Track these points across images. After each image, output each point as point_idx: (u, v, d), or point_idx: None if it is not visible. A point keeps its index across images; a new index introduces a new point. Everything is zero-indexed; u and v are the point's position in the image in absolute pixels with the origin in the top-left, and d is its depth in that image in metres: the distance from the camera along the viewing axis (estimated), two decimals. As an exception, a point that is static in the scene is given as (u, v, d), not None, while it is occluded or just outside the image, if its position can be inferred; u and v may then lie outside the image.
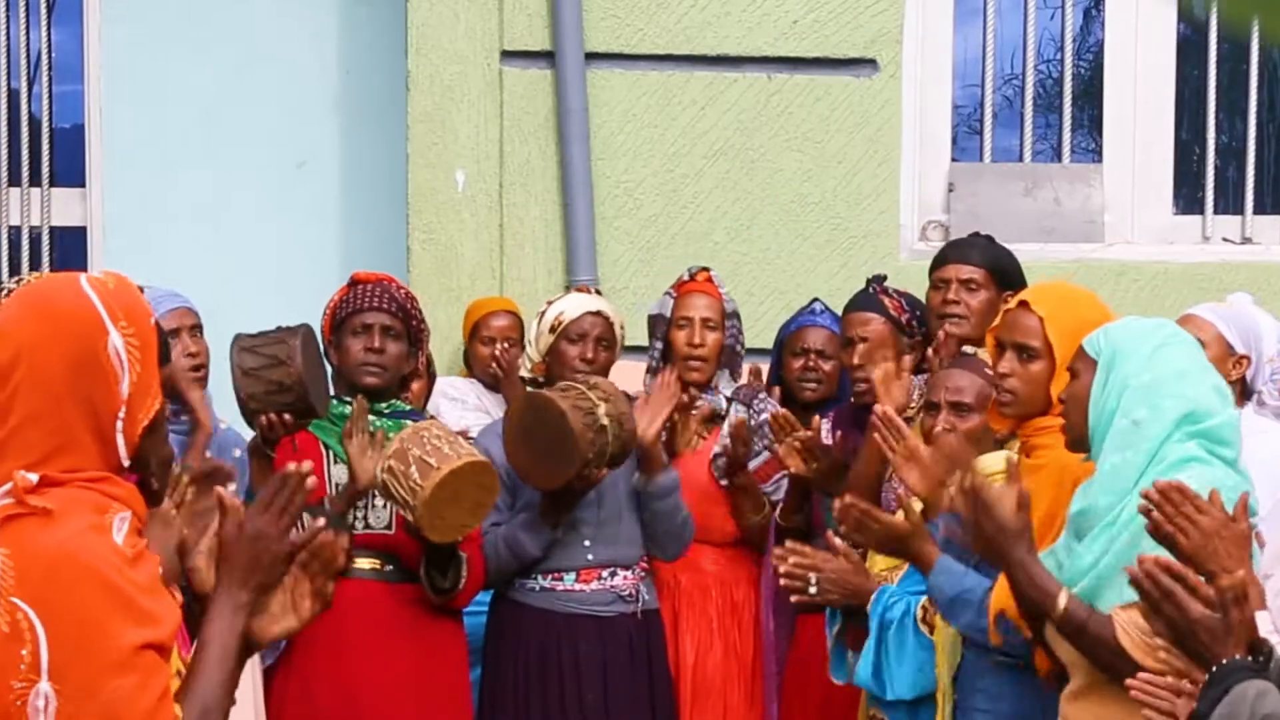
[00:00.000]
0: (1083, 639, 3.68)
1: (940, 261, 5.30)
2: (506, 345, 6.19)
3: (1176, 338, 3.81)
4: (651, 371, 5.65)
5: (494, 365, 6.15)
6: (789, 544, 4.46)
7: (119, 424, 2.76)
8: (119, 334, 2.77)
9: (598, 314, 5.46)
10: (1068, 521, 3.81)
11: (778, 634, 5.60)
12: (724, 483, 5.56)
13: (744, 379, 5.72)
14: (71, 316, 2.77)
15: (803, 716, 5.44)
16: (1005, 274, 5.17)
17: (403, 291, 5.22)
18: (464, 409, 6.08)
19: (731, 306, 5.66)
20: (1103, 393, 3.75)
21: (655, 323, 5.67)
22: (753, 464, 5.59)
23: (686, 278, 5.71)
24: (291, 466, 2.86)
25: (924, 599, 4.33)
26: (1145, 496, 3.37)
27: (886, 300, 5.35)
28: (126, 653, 2.65)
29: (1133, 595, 3.48)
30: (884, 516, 4.20)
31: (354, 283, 5.21)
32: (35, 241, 7.00)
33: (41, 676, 2.64)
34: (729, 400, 5.64)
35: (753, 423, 5.62)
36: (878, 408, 4.42)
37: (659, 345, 5.64)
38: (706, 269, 5.73)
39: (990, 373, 4.42)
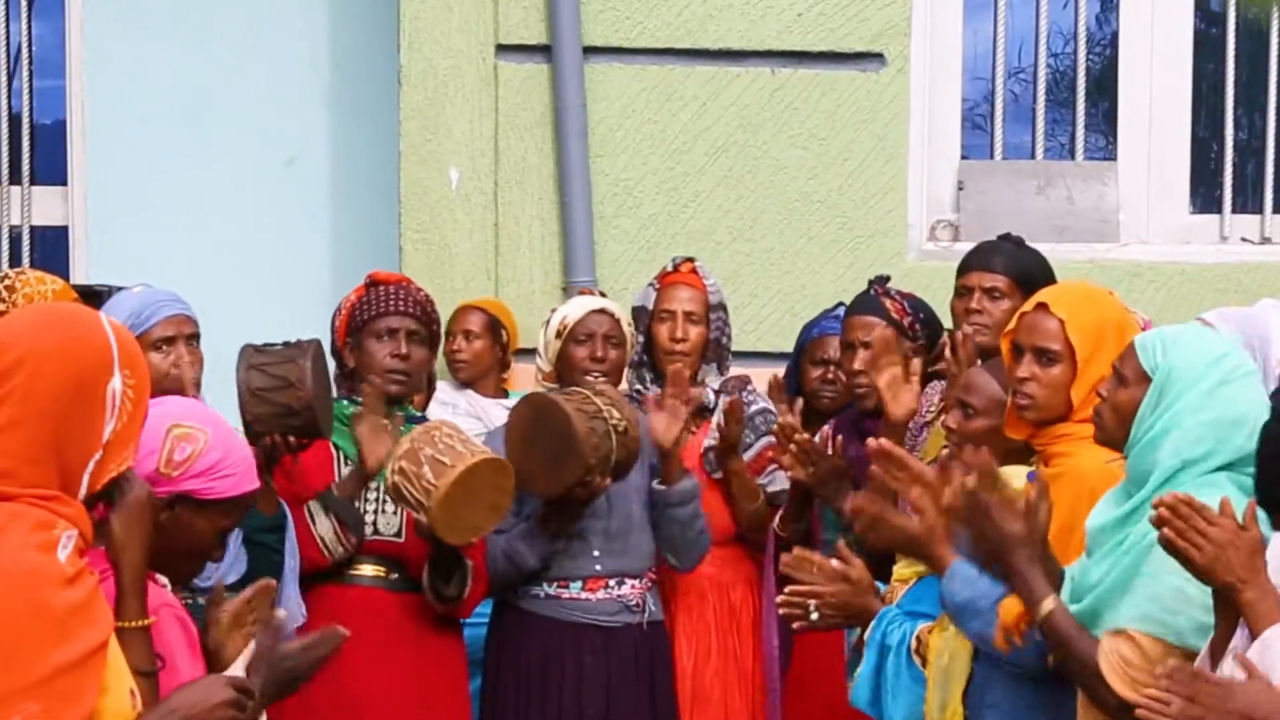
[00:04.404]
0: (1065, 654, 3.68)
1: (964, 268, 5.21)
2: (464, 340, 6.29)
3: (1238, 371, 3.72)
4: (634, 367, 5.62)
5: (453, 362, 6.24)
6: (797, 551, 4.39)
7: (90, 465, 2.82)
8: (121, 380, 2.85)
9: (603, 312, 5.43)
10: (1086, 536, 3.78)
11: (780, 649, 5.52)
12: (717, 474, 5.51)
13: (751, 385, 5.65)
14: (87, 344, 2.86)
15: (805, 733, 5.40)
16: (1032, 281, 5.01)
17: (422, 294, 5.21)
18: (454, 414, 6.09)
19: (717, 298, 5.61)
20: (1151, 414, 3.69)
21: (638, 315, 5.64)
22: (747, 455, 5.54)
23: (670, 268, 5.67)
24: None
25: (919, 629, 4.28)
26: (1156, 508, 3.35)
27: (888, 302, 5.27)
28: (45, 676, 2.69)
29: (1130, 619, 3.56)
30: (897, 518, 4.11)
31: (373, 283, 5.18)
32: (15, 241, 7.02)
33: None
34: (716, 393, 5.59)
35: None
36: (871, 442, 4.25)
37: (641, 338, 5.60)
38: (691, 259, 5.65)
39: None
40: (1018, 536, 3.71)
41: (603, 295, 5.65)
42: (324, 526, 4.95)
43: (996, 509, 3.72)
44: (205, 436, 3.25)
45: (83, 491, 2.82)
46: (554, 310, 5.51)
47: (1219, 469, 3.62)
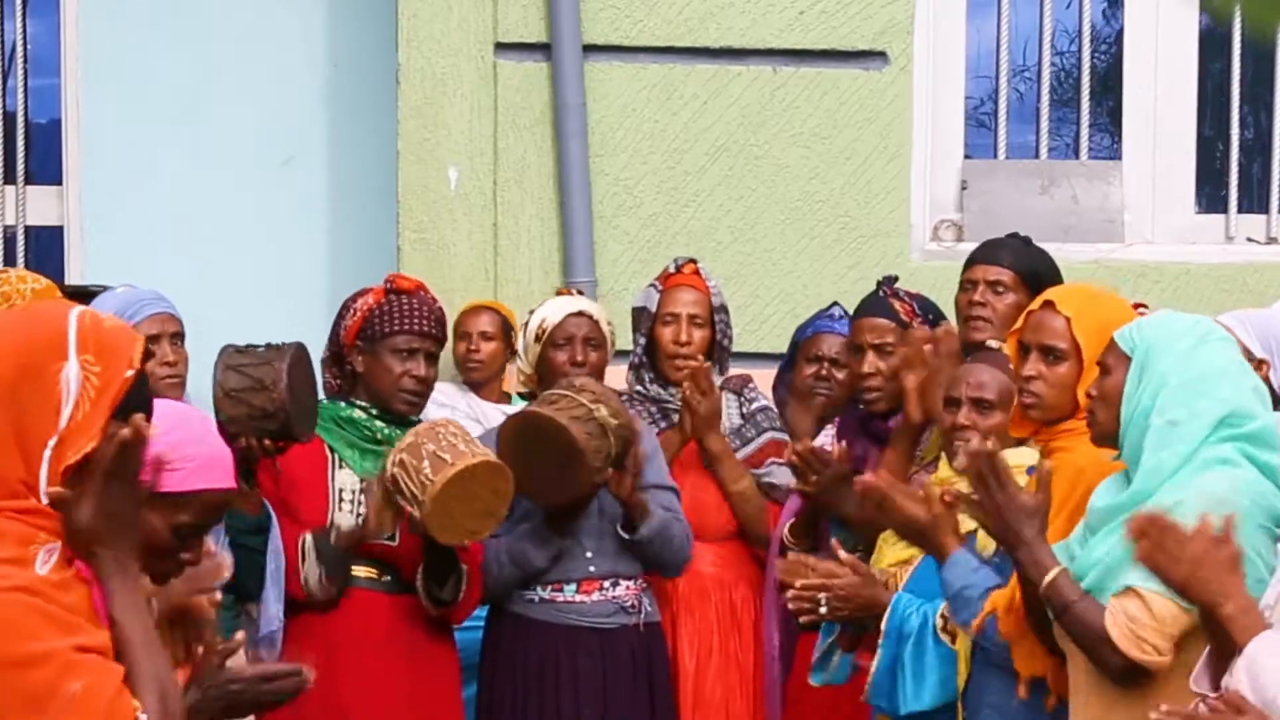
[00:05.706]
0: (1068, 618, 3.71)
1: (970, 262, 5.23)
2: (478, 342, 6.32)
3: (1215, 334, 3.82)
4: (634, 369, 5.58)
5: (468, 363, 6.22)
6: (791, 556, 4.43)
7: (47, 452, 2.75)
8: (79, 365, 2.78)
9: (581, 314, 5.38)
10: (1086, 514, 3.81)
11: (781, 650, 5.47)
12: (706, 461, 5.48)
13: (753, 384, 5.63)
14: (38, 328, 2.82)
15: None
16: (1038, 278, 5.03)
17: (438, 306, 5.16)
18: (454, 416, 5.98)
19: (720, 300, 5.58)
20: (1137, 389, 3.75)
21: (639, 317, 5.58)
22: (747, 449, 5.52)
23: (673, 269, 5.63)
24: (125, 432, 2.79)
25: (943, 606, 4.28)
26: (1128, 526, 3.38)
27: (897, 304, 5.23)
28: (69, 658, 2.66)
29: (1138, 578, 3.56)
30: (906, 502, 4.13)
31: (395, 291, 5.10)
32: (10, 241, 7.00)
33: None
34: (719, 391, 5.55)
35: (744, 410, 5.58)
36: (868, 478, 4.22)
37: (642, 340, 5.56)
38: (693, 260, 5.62)
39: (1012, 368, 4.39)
40: (1030, 507, 3.75)
41: (580, 293, 5.61)
42: (311, 569, 4.90)
43: (1012, 477, 3.76)
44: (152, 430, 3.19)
45: (44, 480, 2.75)
46: (532, 312, 5.47)
47: (1218, 432, 3.66)
